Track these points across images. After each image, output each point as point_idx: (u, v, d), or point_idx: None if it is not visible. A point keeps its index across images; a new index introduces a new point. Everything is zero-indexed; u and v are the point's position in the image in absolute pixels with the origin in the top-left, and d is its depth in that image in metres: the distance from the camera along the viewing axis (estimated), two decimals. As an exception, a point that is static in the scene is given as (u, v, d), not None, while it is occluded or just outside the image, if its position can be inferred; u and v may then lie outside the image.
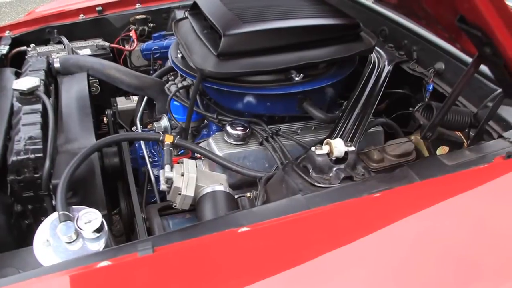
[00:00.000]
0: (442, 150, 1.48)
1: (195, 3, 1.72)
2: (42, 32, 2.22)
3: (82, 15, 2.31)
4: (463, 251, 0.92)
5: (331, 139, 1.30)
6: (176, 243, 0.91)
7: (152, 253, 0.86)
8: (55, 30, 2.22)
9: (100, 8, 2.32)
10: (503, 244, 0.94)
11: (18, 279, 0.85)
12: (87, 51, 2.15)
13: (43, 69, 1.70)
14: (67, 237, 0.99)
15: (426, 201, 1.01)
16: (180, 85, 1.71)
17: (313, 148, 1.26)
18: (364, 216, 1.00)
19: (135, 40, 2.31)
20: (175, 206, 1.36)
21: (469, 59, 1.35)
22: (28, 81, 1.46)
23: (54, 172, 1.30)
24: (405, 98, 1.78)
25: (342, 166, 1.24)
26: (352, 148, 1.27)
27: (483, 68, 1.26)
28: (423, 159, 1.47)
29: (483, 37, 1.00)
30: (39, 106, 1.45)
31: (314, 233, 0.95)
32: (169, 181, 1.34)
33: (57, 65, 1.83)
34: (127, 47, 2.34)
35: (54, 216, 1.05)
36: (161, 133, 1.48)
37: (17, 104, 1.48)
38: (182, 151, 1.71)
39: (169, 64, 1.78)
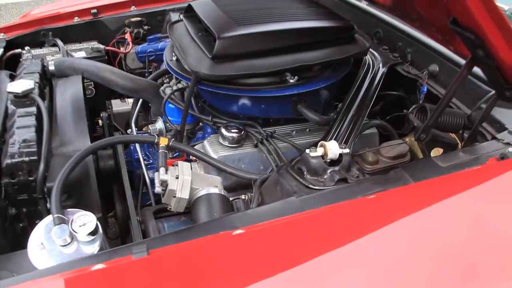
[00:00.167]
0: (436, 151, 1.49)
1: (189, 5, 1.72)
2: (37, 34, 2.21)
3: (77, 17, 2.30)
4: (457, 252, 0.92)
5: (326, 141, 1.30)
6: (171, 245, 0.91)
7: (147, 255, 0.86)
8: (50, 33, 2.21)
9: (95, 10, 2.32)
10: (498, 245, 0.94)
11: (13, 282, 0.85)
12: (82, 54, 2.14)
13: (38, 72, 1.69)
14: (61, 240, 0.99)
15: (420, 203, 1.01)
16: (175, 87, 1.71)
17: (307, 150, 1.27)
18: (358, 218, 1.00)
19: (130, 43, 2.30)
20: (170, 208, 1.37)
21: (462, 61, 1.37)
22: (23, 84, 1.45)
23: (48, 175, 1.29)
24: (399, 100, 1.78)
25: (336, 168, 1.24)
26: (347, 150, 1.28)
27: (477, 70, 1.27)
28: (418, 160, 1.48)
29: (475, 39, 1.01)
30: (33, 109, 1.44)
31: (308, 235, 0.95)
32: (164, 183, 1.34)
33: (51, 67, 1.82)
34: (122, 49, 2.33)
35: (48, 219, 1.04)
36: (156, 135, 1.48)
37: (11, 107, 1.48)
38: (177, 153, 1.72)
39: (164, 66, 1.78)
